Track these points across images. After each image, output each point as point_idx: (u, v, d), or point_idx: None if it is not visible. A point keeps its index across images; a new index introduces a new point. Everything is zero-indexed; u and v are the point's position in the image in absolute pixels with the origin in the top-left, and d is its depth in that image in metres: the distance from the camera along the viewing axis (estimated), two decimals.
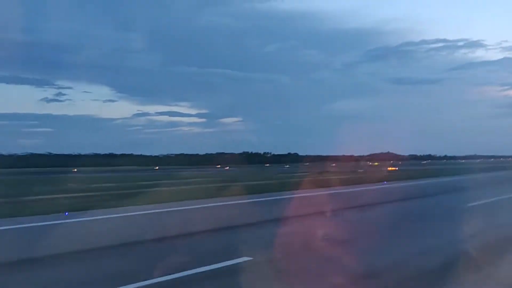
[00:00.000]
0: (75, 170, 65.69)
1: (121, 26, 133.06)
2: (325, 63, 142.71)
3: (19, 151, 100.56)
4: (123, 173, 50.74)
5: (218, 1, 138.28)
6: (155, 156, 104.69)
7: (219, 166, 77.80)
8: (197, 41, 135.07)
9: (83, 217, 13.02)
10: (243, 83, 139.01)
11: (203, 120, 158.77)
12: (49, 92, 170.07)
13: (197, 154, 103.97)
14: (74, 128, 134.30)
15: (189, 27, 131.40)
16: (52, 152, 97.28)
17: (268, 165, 79.34)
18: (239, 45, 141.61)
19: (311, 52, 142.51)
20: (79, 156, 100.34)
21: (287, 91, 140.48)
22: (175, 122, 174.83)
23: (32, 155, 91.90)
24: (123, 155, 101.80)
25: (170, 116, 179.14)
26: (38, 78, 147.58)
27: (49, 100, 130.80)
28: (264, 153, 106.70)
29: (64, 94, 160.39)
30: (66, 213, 13.90)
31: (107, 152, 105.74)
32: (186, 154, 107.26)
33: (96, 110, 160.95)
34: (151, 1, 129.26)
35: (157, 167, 73.10)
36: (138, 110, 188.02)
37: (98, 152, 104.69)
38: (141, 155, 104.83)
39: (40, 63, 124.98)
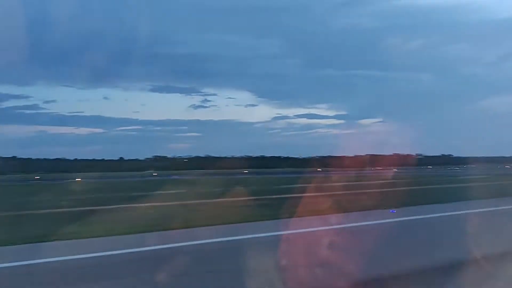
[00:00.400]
0: (246, 171, 69.32)
1: (261, 33, 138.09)
2: (475, 57, 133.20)
3: (170, 154, 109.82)
4: (313, 174, 51.82)
5: (355, 2, 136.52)
6: (303, 159, 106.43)
7: (378, 168, 76.44)
8: (335, 43, 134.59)
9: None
10: (383, 82, 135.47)
11: (341, 121, 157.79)
12: (196, 99, 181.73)
13: (345, 156, 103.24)
14: (219, 132, 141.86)
15: (326, 29, 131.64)
16: (210, 155, 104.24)
17: (430, 167, 76.01)
18: (379, 44, 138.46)
19: (459, 46, 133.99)
20: (233, 158, 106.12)
21: (431, 89, 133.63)
22: (313, 124, 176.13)
23: (197, 158, 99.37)
24: (272, 157, 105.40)
25: (308, 118, 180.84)
26: (186, 87, 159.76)
27: (196, 107, 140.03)
28: (416, 154, 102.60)
29: (209, 101, 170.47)
30: (393, 211, 14.44)
31: (254, 154, 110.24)
32: (334, 156, 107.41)
33: (239, 114, 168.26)
34: (289, 6, 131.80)
35: (319, 169, 74.14)
36: (277, 114, 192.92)
37: (248, 154, 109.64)
38: (288, 157, 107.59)
39: (188, 72, 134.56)
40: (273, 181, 36.86)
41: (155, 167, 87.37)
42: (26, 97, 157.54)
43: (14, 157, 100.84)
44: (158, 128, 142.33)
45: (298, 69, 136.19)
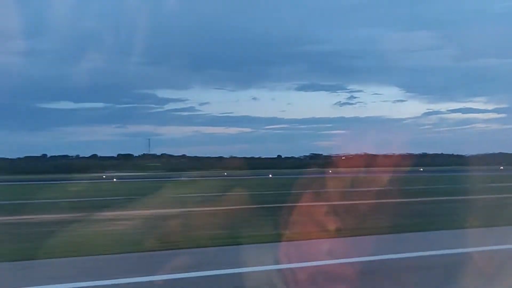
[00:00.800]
0: (421, 169, 66.94)
1: (409, 25, 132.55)
2: None
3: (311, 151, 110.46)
4: None
5: None
6: (469, 156, 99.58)
7: None
8: (494, 29, 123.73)
9: None
10: None
11: (503, 115, 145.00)
12: (342, 97, 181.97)
13: None
14: (365, 129, 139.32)
15: (484, 15, 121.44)
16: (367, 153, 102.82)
17: None
18: None
19: None
20: (390, 156, 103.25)
21: None
22: (469, 119, 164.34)
23: (358, 155, 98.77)
24: (435, 155, 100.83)
25: (462, 113, 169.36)
26: (332, 84, 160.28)
27: (341, 104, 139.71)
28: None
29: (355, 97, 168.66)
30: None
31: (407, 152, 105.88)
32: (503, 153, 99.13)
33: (386, 111, 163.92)
34: None
35: (501, 167, 69.01)
36: (428, 109, 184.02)
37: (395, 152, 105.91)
38: (453, 154, 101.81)
39: (334, 70, 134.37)
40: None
41: (315, 164, 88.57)
42: (184, 100, 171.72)
43: (183, 155, 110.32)
44: (304, 126, 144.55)
45: (452, 60, 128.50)
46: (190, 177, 49.01)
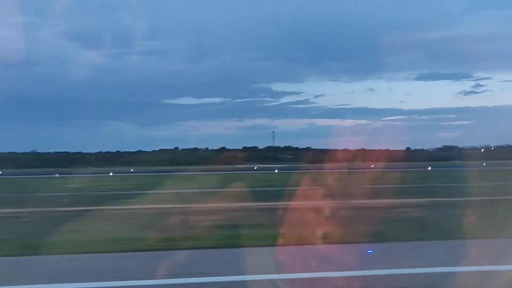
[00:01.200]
0: None
1: None
2: None
3: (437, 144, 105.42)
4: None
5: None
6: None
7: None
8: None
9: None
10: None
11: None
12: (467, 85, 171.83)
13: None
14: (494, 119, 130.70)
15: None
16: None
17: None
18: None
19: None
20: None
21: None
22: None
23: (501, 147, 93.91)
24: None
25: None
26: (455, 72, 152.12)
27: (466, 93, 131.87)
28: None
29: (482, 85, 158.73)
30: None
31: None
32: None
33: None
34: None
35: None
36: None
37: None
38: None
39: (456, 57, 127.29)
40: None
41: (444, 157, 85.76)
42: (299, 93, 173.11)
43: (309, 148, 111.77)
44: (424, 117, 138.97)
45: None
46: (351, 169, 49.58)
